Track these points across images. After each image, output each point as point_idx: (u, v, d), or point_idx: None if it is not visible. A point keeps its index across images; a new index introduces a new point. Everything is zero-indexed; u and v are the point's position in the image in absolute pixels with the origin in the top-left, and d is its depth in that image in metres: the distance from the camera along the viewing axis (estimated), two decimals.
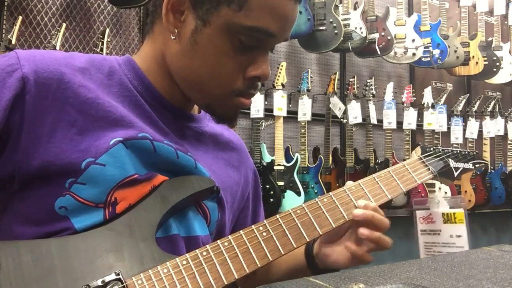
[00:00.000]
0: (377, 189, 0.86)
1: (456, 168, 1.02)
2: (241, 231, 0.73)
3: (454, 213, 1.51)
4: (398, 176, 0.89)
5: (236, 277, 0.69)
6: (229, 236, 0.72)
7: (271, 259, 0.72)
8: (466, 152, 1.07)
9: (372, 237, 0.80)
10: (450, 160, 1.01)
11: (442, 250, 1.57)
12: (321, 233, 0.77)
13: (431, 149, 1.01)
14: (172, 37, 0.77)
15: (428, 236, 1.63)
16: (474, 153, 1.09)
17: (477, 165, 1.07)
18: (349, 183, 0.85)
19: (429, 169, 0.94)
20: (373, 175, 0.88)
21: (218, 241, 0.71)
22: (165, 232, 0.75)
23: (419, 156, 0.97)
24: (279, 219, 0.76)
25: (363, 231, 0.80)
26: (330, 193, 0.82)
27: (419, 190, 3.23)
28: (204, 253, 0.69)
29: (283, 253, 0.73)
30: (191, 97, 0.82)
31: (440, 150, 1.02)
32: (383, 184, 0.87)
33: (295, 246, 0.74)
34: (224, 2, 0.72)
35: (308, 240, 0.76)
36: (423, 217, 1.62)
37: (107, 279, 0.64)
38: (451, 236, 1.55)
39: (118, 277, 0.64)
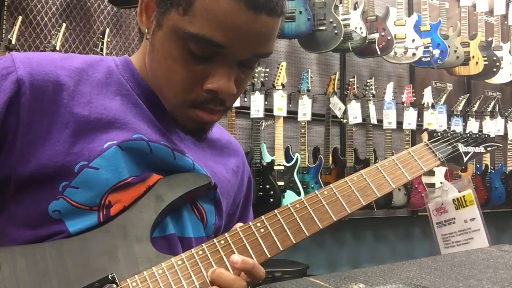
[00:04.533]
0: (381, 179, 0.82)
1: (466, 153, 0.96)
2: (238, 228, 0.72)
3: (463, 196, 1.48)
4: (403, 164, 0.85)
5: None
6: (226, 234, 0.71)
7: (269, 256, 0.71)
8: (477, 135, 1.00)
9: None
10: (459, 144, 0.96)
11: (460, 239, 1.55)
12: (321, 227, 0.75)
13: (439, 133, 0.95)
14: (146, 38, 0.76)
15: (444, 227, 1.61)
16: (486, 135, 1.02)
17: (488, 148, 1.00)
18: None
19: (436, 155, 0.90)
20: (377, 164, 0.84)
21: (215, 239, 0.70)
22: (161, 232, 0.74)
23: (425, 142, 0.92)
24: (277, 214, 0.74)
25: None
26: (330, 184, 0.79)
27: (420, 190, 3.23)
28: (200, 252, 0.69)
29: (281, 249, 0.72)
30: (162, 101, 0.79)
31: (449, 134, 0.96)
32: (387, 173, 0.83)
33: (294, 242, 0.72)
34: (173, 5, 0.69)
35: (308, 234, 0.73)
36: (436, 209, 1.60)
37: (101, 282, 0.63)
38: (465, 221, 1.53)
39: (112, 279, 0.64)
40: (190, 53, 0.70)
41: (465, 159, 0.96)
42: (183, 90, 0.72)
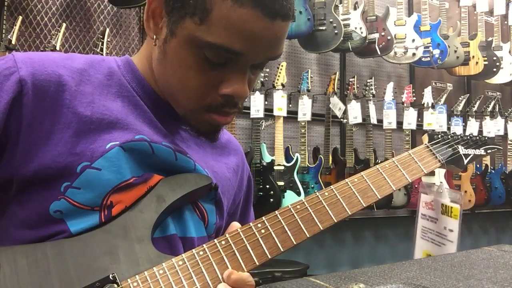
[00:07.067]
0: (381, 181, 0.82)
1: (466, 155, 0.97)
2: (238, 229, 0.72)
3: (451, 207, 1.50)
4: (403, 166, 0.86)
5: None
6: (227, 234, 0.71)
7: (269, 257, 0.71)
8: (477, 138, 1.01)
9: None
10: (459, 146, 0.96)
11: (435, 238, 1.58)
12: (321, 228, 0.75)
13: (439, 136, 0.96)
14: (153, 44, 0.76)
15: (426, 221, 1.64)
16: (486, 138, 1.03)
17: (489, 151, 1.01)
18: None
19: (436, 157, 0.91)
20: (377, 166, 0.84)
21: (215, 239, 0.71)
22: (162, 232, 0.74)
23: (425, 144, 0.93)
24: (278, 215, 0.74)
25: None
26: (331, 186, 0.79)
27: (419, 191, 3.23)
28: (201, 253, 0.69)
29: (282, 250, 0.72)
30: (172, 105, 0.80)
31: (449, 136, 0.97)
32: (387, 174, 0.83)
33: (294, 243, 0.73)
34: (188, 14, 0.69)
35: (308, 235, 0.74)
36: (425, 202, 1.62)
37: (102, 282, 0.64)
38: (444, 228, 1.56)
39: (113, 279, 0.64)
40: (205, 60, 0.70)
41: (465, 161, 0.97)
42: (199, 96, 0.73)
